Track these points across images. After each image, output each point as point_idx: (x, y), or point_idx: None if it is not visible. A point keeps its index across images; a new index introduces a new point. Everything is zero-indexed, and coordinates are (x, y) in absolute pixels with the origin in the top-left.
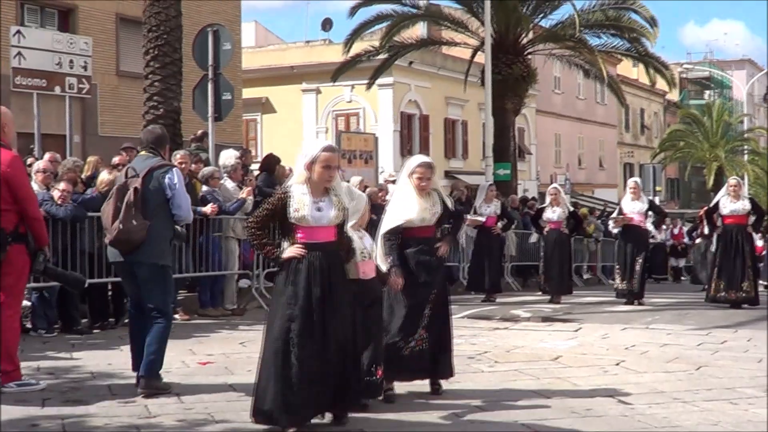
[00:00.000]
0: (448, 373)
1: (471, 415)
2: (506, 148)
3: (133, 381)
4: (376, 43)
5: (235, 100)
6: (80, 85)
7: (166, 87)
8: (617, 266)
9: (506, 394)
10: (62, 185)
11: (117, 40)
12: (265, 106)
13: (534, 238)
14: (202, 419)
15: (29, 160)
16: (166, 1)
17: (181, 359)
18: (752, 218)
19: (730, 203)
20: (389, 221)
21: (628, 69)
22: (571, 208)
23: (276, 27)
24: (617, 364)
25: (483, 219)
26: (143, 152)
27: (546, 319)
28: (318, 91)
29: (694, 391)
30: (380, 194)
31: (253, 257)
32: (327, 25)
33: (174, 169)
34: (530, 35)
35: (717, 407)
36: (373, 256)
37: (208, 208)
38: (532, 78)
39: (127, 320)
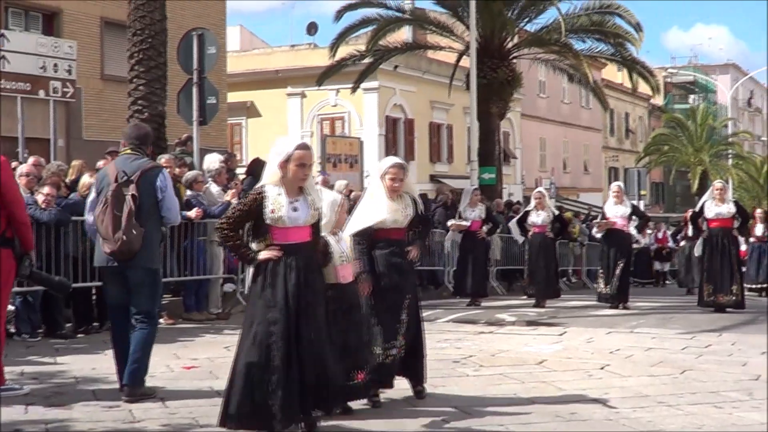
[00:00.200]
0: (419, 379)
1: (456, 420)
2: (491, 152)
3: (117, 385)
4: (362, 47)
5: (220, 104)
6: (64, 89)
7: (151, 91)
8: (600, 270)
9: (491, 398)
10: (46, 189)
11: (101, 43)
12: (250, 110)
13: (519, 241)
14: (186, 424)
15: (13, 164)
16: (150, 5)
17: (165, 363)
18: (737, 222)
19: (715, 207)
20: (358, 222)
21: (613, 73)
22: (556, 212)
23: (261, 31)
24: (602, 368)
25: (468, 223)
26: (127, 151)
27: (531, 323)
28: (303, 95)
29: (679, 395)
30: None
31: (238, 261)
32: (312, 28)
33: (164, 170)
34: (515, 39)
35: (701, 411)
36: (351, 259)
37: (193, 213)
38: (517, 82)
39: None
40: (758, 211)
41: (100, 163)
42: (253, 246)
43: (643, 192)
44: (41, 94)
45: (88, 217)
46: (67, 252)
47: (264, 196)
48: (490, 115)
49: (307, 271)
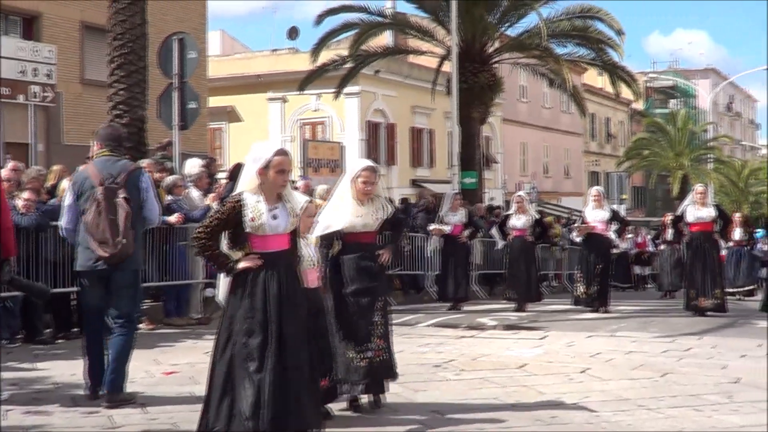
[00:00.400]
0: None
1: (437, 424)
2: (472, 156)
3: (90, 392)
4: (343, 52)
5: (201, 109)
6: (44, 94)
7: (131, 95)
8: (579, 274)
9: (472, 402)
10: (26, 194)
11: (81, 48)
12: (231, 115)
13: (500, 245)
14: (166, 429)
15: None
16: (131, 9)
17: (145, 369)
18: (718, 225)
19: (696, 210)
20: (324, 226)
21: (594, 78)
22: (537, 216)
23: (242, 35)
24: (583, 372)
25: (449, 228)
26: (105, 153)
27: (511, 327)
28: (284, 100)
29: (659, 398)
30: None
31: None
32: (293, 33)
33: (145, 171)
34: (496, 44)
35: (682, 414)
36: (317, 264)
37: (173, 218)
38: (499, 87)
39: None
40: (736, 216)
41: (80, 168)
42: (230, 254)
43: (623, 196)
44: (21, 98)
45: (67, 222)
46: (46, 257)
47: (243, 204)
48: (471, 120)
49: (288, 280)
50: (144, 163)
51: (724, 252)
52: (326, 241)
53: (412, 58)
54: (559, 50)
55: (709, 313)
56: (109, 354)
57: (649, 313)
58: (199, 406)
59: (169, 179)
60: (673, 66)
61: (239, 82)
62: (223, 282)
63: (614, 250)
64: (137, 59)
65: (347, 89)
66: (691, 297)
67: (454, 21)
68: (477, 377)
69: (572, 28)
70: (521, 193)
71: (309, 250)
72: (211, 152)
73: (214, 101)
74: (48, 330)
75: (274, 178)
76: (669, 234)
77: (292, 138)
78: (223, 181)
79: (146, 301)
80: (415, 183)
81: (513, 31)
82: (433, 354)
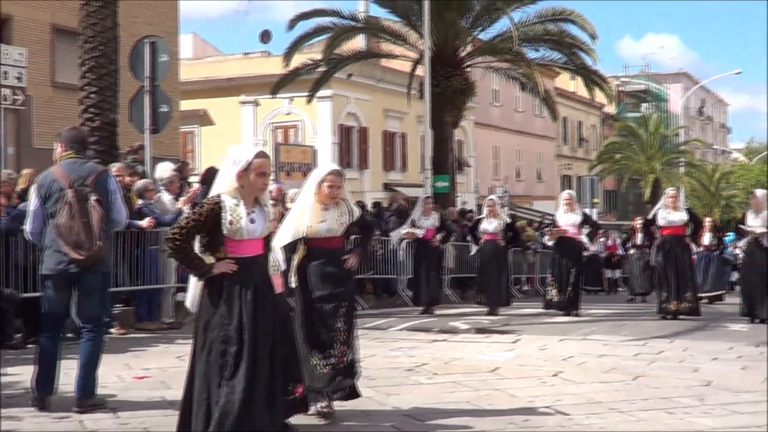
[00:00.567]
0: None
1: (409, 428)
2: (445, 160)
3: (69, 396)
4: (316, 56)
5: (173, 112)
6: (15, 97)
7: (103, 98)
8: (551, 278)
9: (444, 406)
10: None
11: (52, 50)
12: (203, 119)
13: (474, 250)
14: None
15: None
16: (102, 12)
17: (117, 373)
18: (689, 229)
19: (668, 214)
20: (286, 232)
21: (567, 82)
22: (508, 220)
23: (214, 38)
24: (555, 375)
25: (422, 232)
26: (71, 155)
27: (484, 330)
28: (256, 104)
29: (631, 401)
30: None
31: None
32: (266, 37)
33: (110, 172)
34: (469, 48)
35: (653, 417)
36: (281, 269)
37: (145, 222)
38: (471, 91)
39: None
40: (707, 220)
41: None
42: (203, 257)
43: (595, 200)
44: None
45: (32, 225)
46: (16, 262)
47: (222, 206)
48: (443, 124)
49: (263, 286)
50: (115, 166)
51: (694, 256)
52: (289, 245)
53: (384, 62)
54: (532, 54)
55: (681, 316)
56: (78, 359)
57: (620, 316)
58: (171, 411)
59: (140, 183)
60: (644, 70)
61: (211, 86)
62: (192, 286)
63: (585, 253)
64: (108, 62)
65: (320, 93)
66: (663, 300)
67: (426, 25)
68: (449, 381)
69: (545, 32)
70: (493, 197)
71: (274, 255)
72: (183, 156)
73: (186, 105)
74: (18, 335)
75: (255, 181)
76: (638, 238)
77: (264, 142)
78: (196, 185)
79: (117, 305)
80: (387, 187)
81: (486, 35)
82: (406, 358)
